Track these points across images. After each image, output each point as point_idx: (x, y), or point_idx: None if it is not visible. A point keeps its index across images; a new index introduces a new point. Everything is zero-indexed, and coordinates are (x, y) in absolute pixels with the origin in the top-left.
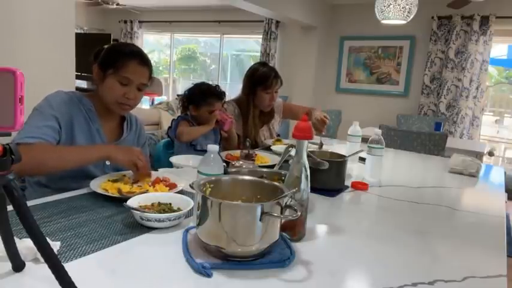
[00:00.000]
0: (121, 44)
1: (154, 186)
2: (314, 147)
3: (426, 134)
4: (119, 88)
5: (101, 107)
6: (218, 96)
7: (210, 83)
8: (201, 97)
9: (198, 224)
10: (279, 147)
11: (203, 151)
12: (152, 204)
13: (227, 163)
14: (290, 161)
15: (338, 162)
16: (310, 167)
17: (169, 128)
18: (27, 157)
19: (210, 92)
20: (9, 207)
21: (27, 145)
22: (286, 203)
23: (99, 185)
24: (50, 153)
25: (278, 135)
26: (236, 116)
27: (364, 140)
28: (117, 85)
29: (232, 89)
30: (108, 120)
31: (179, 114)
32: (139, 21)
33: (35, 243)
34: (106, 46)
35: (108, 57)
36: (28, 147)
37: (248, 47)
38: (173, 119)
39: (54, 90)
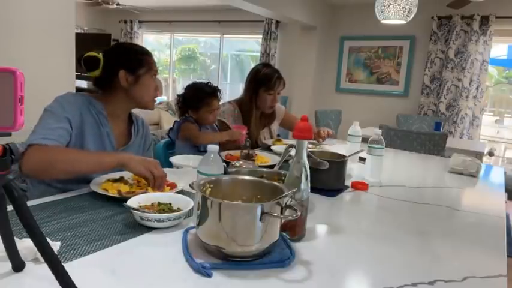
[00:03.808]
0: (131, 44)
1: None
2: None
3: (426, 134)
4: (153, 83)
5: (111, 110)
6: (213, 94)
7: (200, 81)
8: (197, 100)
9: (198, 224)
10: (279, 147)
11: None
12: (152, 204)
13: (227, 163)
14: (290, 161)
15: (338, 162)
16: (310, 167)
17: (171, 129)
18: (41, 158)
19: (204, 93)
20: (9, 207)
21: (42, 146)
22: (286, 203)
23: (99, 185)
24: (63, 157)
25: (278, 135)
26: (235, 117)
27: (364, 140)
28: (152, 81)
29: (232, 88)
30: (117, 124)
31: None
32: (139, 21)
33: (35, 243)
34: (92, 54)
35: (134, 59)
36: (43, 149)
37: (248, 47)
38: (176, 121)
39: (54, 90)
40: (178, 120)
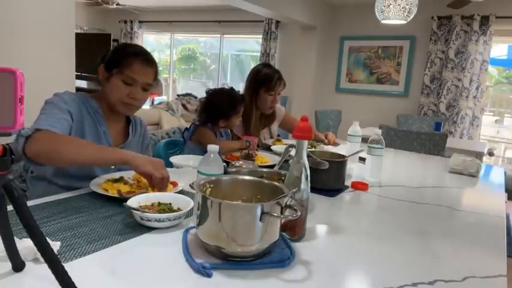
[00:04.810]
0: (126, 44)
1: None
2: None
3: (426, 134)
4: (124, 88)
5: (108, 109)
6: (243, 101)
7: (224, 87)
8: (231, 107)
9: (198, 224)
10: (279, 147)
11: None
12: (152, 204)
13: (227, 163)
14: (290, 161)
15: (338, 162)
16: (310, 167)
17: (187, 129)
18: (49, 144)
19: (237, 101)
20: (9, 207)
21: (51, 132)
22: (286, 203)
23: (99, 185)
24: (70, 146)
25: (278, 136)
26: None
27: (364, 140)
28: (122, 85)
29: None
30: (114, 123)
31: (180, 115)
32: (140, 21)
33: (35, 243)
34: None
35: (113, 57)
36: (52, 135)
37: (248, 47)
38: (192, 123)
39: (54, 90)
40: (197, 122)
